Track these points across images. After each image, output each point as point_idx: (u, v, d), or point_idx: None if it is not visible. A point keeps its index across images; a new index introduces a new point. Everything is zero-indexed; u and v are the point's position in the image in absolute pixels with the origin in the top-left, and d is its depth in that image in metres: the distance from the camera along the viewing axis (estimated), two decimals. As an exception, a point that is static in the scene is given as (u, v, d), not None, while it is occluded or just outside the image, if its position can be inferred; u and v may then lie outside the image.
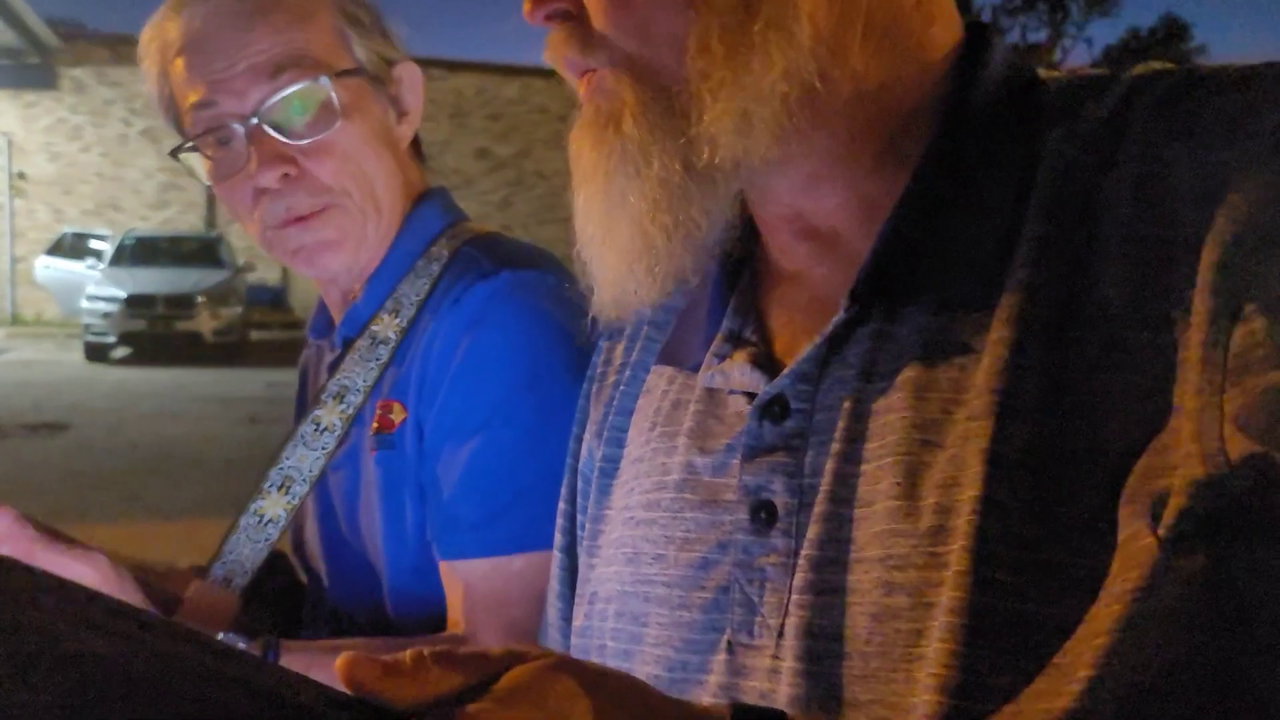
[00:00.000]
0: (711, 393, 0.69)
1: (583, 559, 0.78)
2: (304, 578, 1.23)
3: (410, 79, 1.10)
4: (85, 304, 13.46)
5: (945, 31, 0.65)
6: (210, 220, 19.31)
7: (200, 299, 13.57)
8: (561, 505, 0.85)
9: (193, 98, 1.01)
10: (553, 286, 1.03)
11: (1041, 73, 0.64)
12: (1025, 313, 0.54)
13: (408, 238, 1.10)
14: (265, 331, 16.47)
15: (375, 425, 1.05)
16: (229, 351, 13.61)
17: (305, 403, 1.25)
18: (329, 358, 1.16)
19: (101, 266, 14.68)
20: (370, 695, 0.41)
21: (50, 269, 16.24)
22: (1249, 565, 0.46)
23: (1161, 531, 0.46)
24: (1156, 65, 0.60)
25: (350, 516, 1.10)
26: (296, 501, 1.06)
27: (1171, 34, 48.37)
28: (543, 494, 0.93)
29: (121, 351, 13.61)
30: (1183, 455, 0.47)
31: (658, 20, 0.60)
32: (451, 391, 1.00)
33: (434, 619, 1.03)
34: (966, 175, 0.60)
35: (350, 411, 1.06)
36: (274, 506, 1.06)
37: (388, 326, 1.07)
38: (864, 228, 0.63)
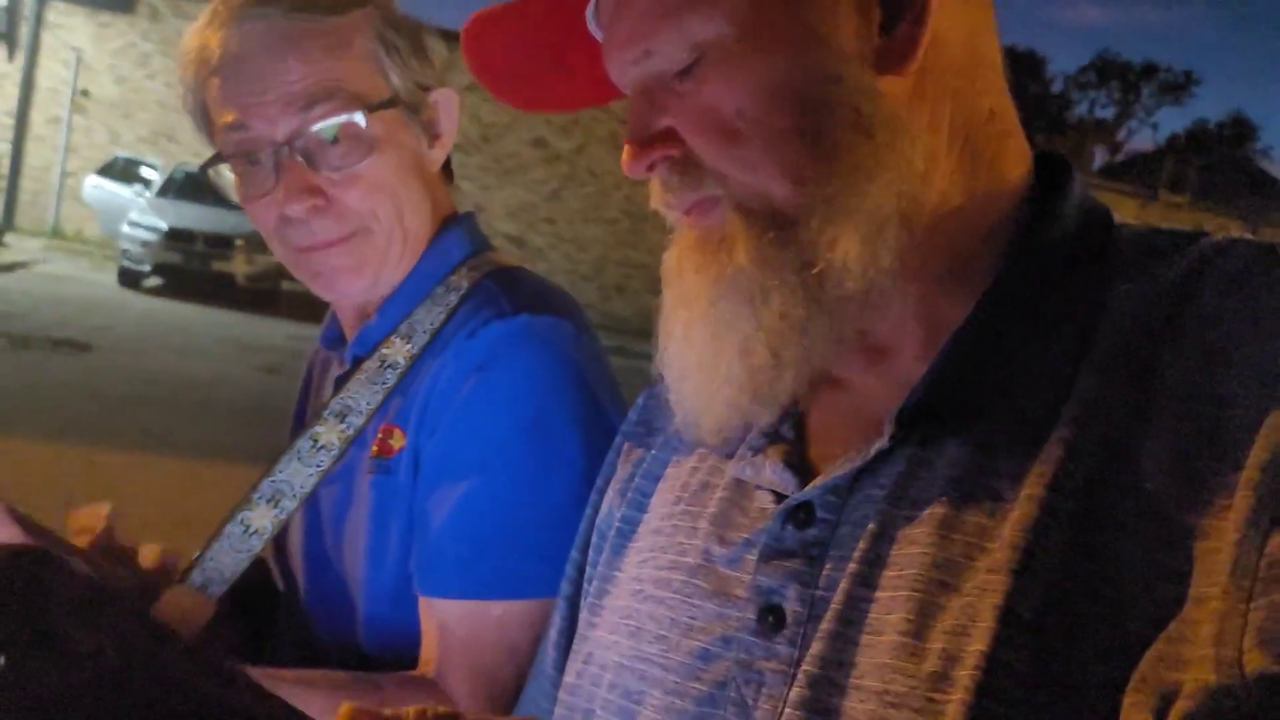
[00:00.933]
0: (740, 483, 0.69)
1: (584, 615, 0.78)
2: (280, 584, 1.22)
3: (445, 104, 1.09)
4: (126, 229, 13.58)
5: (1017, 157, 0.65)
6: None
7: (239, 242, 13.64)
8: (574, 555, 0.84)
9: (226, 118, 1.01)
10: (569, 334, 1.03)
11: (1116, 218, 0.64)
12: (1063, 472, 0.53)
13: (429, 263, 1.09)
14: (297, 284, 16.55)
15: (375, 449, 1.04)
16: (259, 298, 13.69)
17: (305, 408, 1.27)
18: (335, 371, 1.16)
19: (148, 195, 14.78)
20: None
21: (98, 189, 16.37)
22: None
23: None
24: (1234, 235, 0.60)
25: (336, 534, 1.09)
26: (284, 516, 1.05)
27: (1239, 132, 48.01)
28: (530, 542, 0.95)
29: (154, 281, 13.73)
30: (1198, 655, 0.47)
31: (772, 152, 0.60)
32: (453, 428, 0.99)
33: (406, 649, 1.02)
34: (1030, 314, 0.60)
35: (350, 433, 1.05)
36: (261, 518, 1.05)
37: (398, 351, 1.06)
38: (919, 348, 0.63)
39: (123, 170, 16.67)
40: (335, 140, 1.00)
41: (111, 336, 9.68)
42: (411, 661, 1.01)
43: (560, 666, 0.81)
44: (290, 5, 1.00)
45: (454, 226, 1.12)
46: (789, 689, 0.59)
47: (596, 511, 0.84)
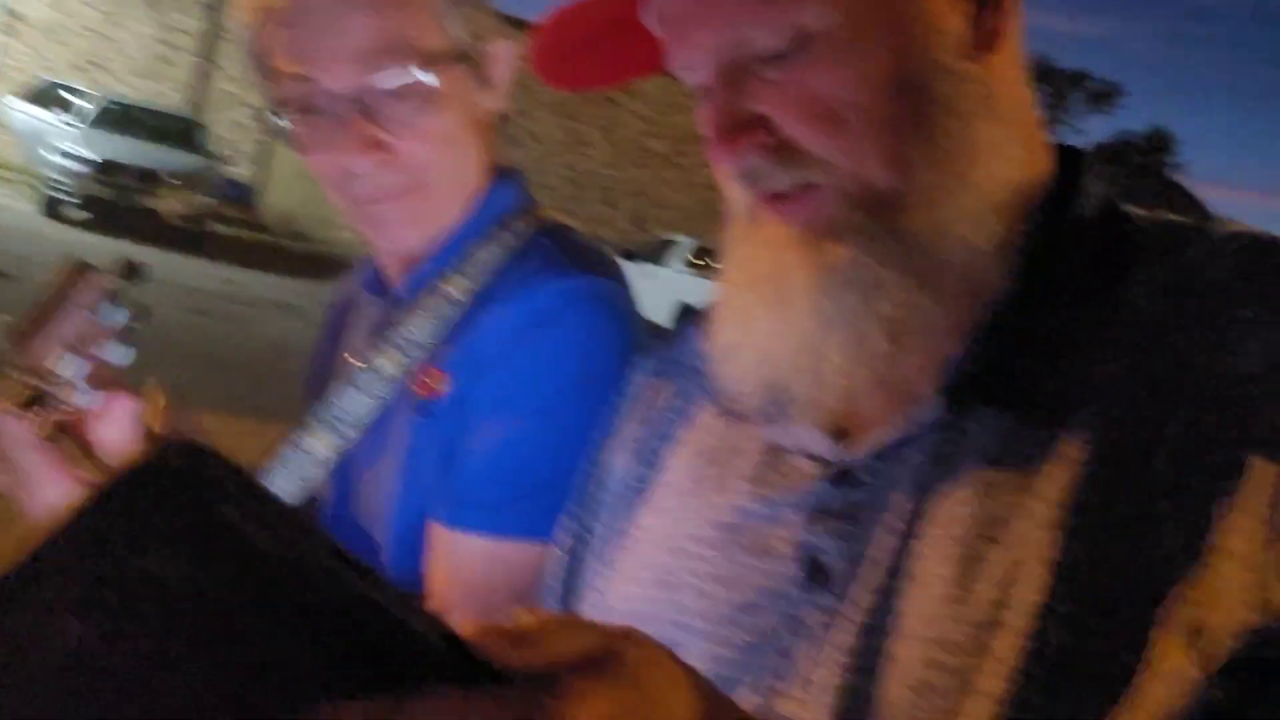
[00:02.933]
0: (775, 447, 0.71)
1: (595, 568, 0.80)
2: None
3: (505, 54, 1.08)
4: (54, 159, 13.15)
5: (1045, 144, 0.69)
6: (195, 103, 18.96)
7: (170, 180, 13.35)
8: (575, 509, 0.87)
9: (290, 68, 1.00)
10: (622, 301, 1.05)
11: (1128, 209, 0.68)
12: (1098, 437, 0.58)
13: (483, 211, 1.10)
14: (228, 227, 16.20)
15: (419, 391, 1.05)
16: (188, 239, 13.28)
17: (333, 350, 1.26)
18: (374, 316, 1.16)
19: (80, 125, 14.31)
20: (497, 661, 0.41)
21: (21, 114, 15.82)
22: (1270, 710, 0.51)
23: (1209, 666, 0.51)
24: (1243, 226, 0.64)
25: (368, 471, 1.09)
26: (343, 443, 1.06)
27: (1159, 146, 49.41)
28: (560, 494, 0.95)
29: (80, 215, 13.35)
30: (1229, 598, 0.51)
31: (879, 139, 0.61)
32: (505, 374, 1.00)
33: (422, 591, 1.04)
34: (1061, 292, 0.63)
35: (410, 365, 1.06)
36: (319, 444, 1.06)
37: (457, 288, 1.06)
38: (954, 321, 0.64)
39: (49, 95, 16.09)
40: (400, 96, 1.00)
41: (32, 266, 9.42)
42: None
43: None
44: None
45: (507, 180, 1.13)
46: (834, 635, 0.62)
47: (599, 469, 0.86)
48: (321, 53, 0.98)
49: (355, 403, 1.07)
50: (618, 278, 1.07)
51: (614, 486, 0.83)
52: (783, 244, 0.65)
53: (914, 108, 0.62)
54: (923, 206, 0.62)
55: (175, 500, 0.37)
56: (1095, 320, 0.62)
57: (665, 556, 0.73)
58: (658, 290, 15.08)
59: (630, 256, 16.68)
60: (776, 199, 0.65)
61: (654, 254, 16.12)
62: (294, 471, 1.07)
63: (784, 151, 0.63)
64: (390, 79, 0.98)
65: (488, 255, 1.07)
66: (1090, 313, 0.62)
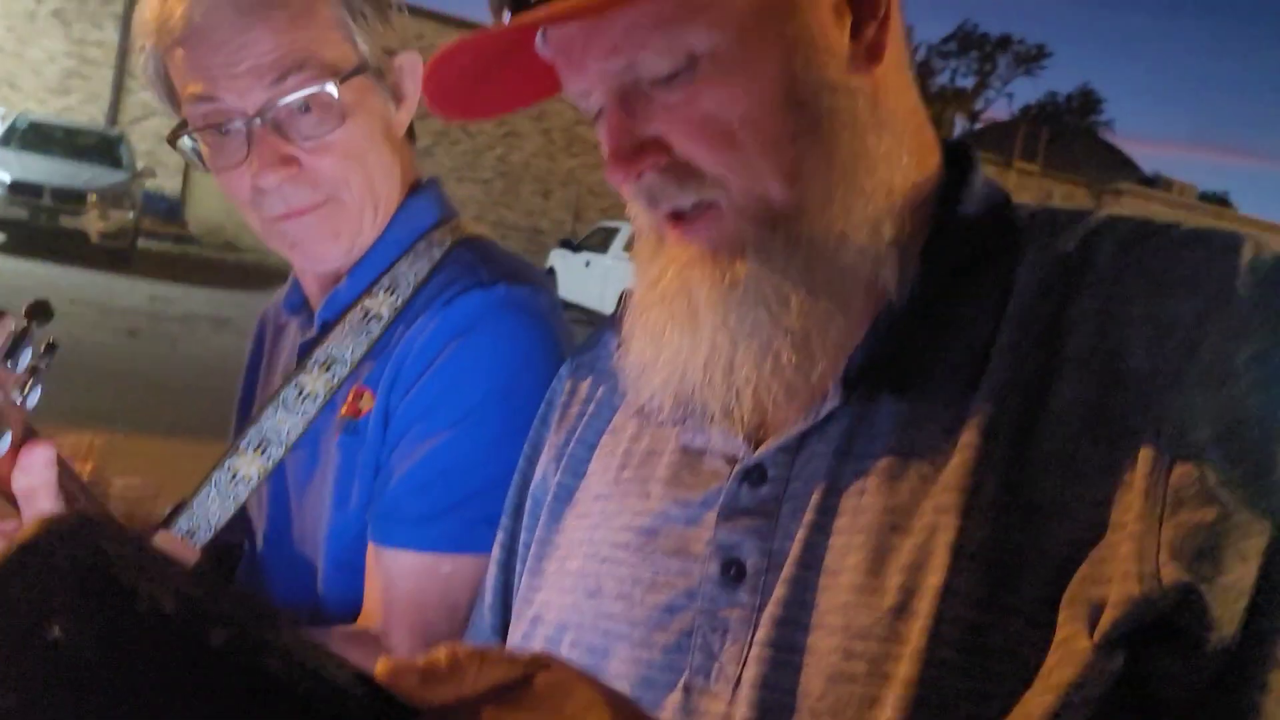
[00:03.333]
0: (688, 449, 0.73)
1: (525, 579, 0.81)
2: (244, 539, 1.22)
3: (410, 67, 1.09)
4: (-35, 181, 12.70)
5: (933, 145, 0.72)
6: (113, 117, 18.43)
7: (91, 197, 12.93)
8: (505, 521, 0.87)
9: (193, 89, 1.00)
10: (545, 305, 1.06)
11: (1015, 202, 0.71)
12: (993, 419, 0.60)
13: (401, 226, 1.09)
14: (156, 241, 15.82)
15: (344, 410, 1.05)
16: (115, 257, 12.97)
17: (257, 373, 1.27)
18: (298, 336, 1.16)
19: (-11, 145, 13.82)
20: (409, 699, 0.41)
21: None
22: (1163, 672, 0.53)
23: (1096, 637, 0.52)
24: (1119, 211, 0.68)
25: (300, 495, 1.10)
26: (270, 464, 1.06)
27: (1086, 104, 50.48)
28: (488, 503, 0.95)
29: (-3, 238, 12.91)
30: (1121, 572, 0.53)
31: (772, 154, 0.63)
32: (426, 386, 1.00)
33: (360, 612, 1.04)
34: (952, 283, 0.66)
35: (335, 382, 1.05)
36: (248, 465, 1.05)
37: (381, 303, 1.06)
38: (855, 316, 0.67)
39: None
40: (307, 109, 0.99)
41: (-47, 297, 9.09)
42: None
43: (497, 629, 0.85)
44: None
45: (425, 191, 1.14)
46: (754, 631, 0.63)
47: (526, 479, 0.87)
48: (225, 71, 0.98)
49: (282, 423, 1.06)
50: (538, 285, 1.07)
51: (540, 495, 0.83)
52: (687, 262, 0.66)
53: (805, 123, 0.63)
54: (820, 218, 0.64)
55: (76, 570, 0.38)
56: (984, 306, 0.64)
57: (589, 564, 0.74)
58: (600, 278, 15.02)
59: (570, 246, 16.61)
60: (677, 217, 0.67)
61: (594, 242, 16.02)
62: (223, 494, 1.06)
63: (681, 171, 0.65)
64: (296, 93, 0.98)
65: (409, 270, 1.08)
66: (980, 299, 0.65)
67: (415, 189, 1.13)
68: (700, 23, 0.62)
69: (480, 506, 0.96)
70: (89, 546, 0.38)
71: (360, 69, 1.03)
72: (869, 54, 0.66)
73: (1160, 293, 0.60)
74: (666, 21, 0.62)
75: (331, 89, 0.99)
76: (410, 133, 1.15)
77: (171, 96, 1.05)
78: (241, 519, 1.17)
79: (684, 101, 0.63)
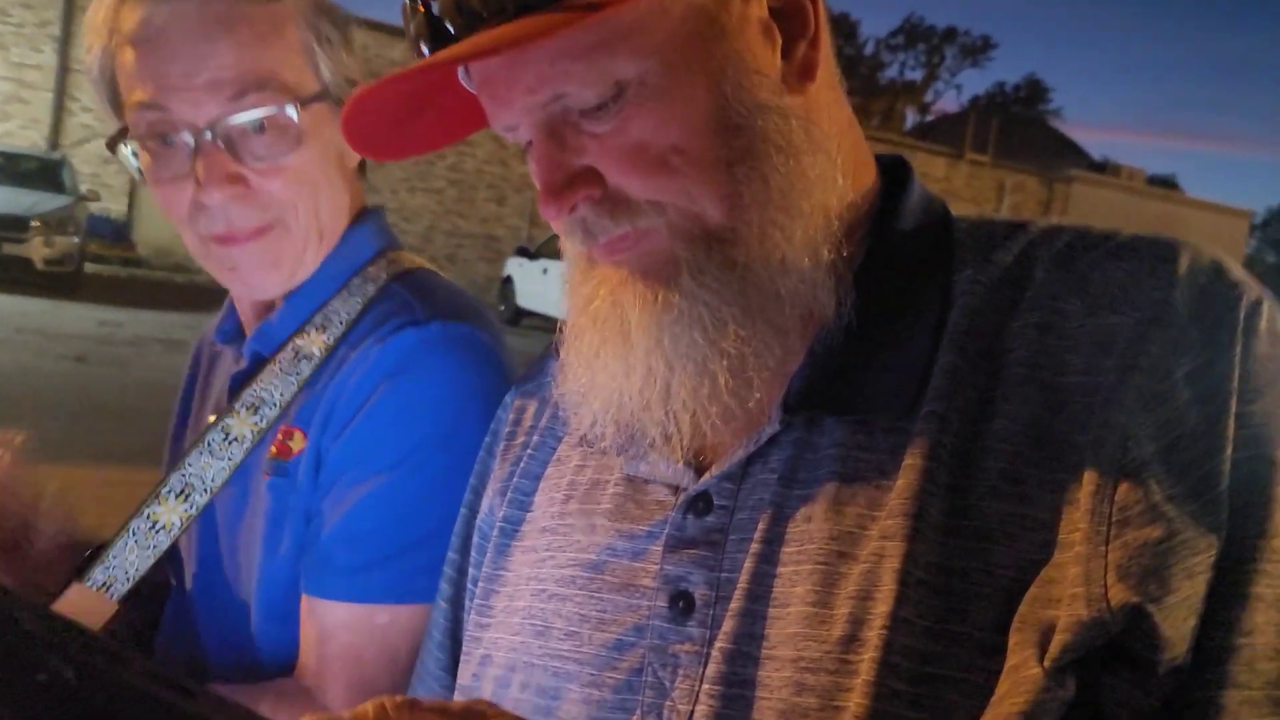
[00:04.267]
0: (633, 479, 0.72)
1: (471, 617, 0.79)
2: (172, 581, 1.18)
3: None
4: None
5: (868, 160, 0.71)
6: (54, 140, 18.11)
7: (34, 223, 12.69)
8: (452, 556, 0.85)
9: (140, 95, 0.96)
10: (482, 343, 1.01)
11: (954, 214, 0.71)
12: (936, 441, 0.59)
13: (339, 259, 1.06)
14: (103, 266, 15.57)
15: (274, 450, 1.01)
16: (61, 283, 12.75)
17: (190, 403, 1.22)
18: (230, 366, 1.12)
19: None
20: None
21: None
22: (1113, 695, 0.53)
23: (1046, 663, 0.52)
24: (1054, 222, 0.67)
25: (231, 536, 1.06)
26: (194, 511, 1.01)
27: (1034, 94, 51.11)
28: (424, 550, 0.92)
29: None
30: (1069, 594, 0.53)
31: (707, 179, 0.62)
32: (359, 430, 0.96)
33: (296, 657, 1.00)
34: (890, 303, 0.65)
35: (263, 425, 1.01)
36: (170, 514, 1.01)
37: (313, 342, 1.03)
38: (793, 340, 0.66)
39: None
40: (261, 129, 0.96)
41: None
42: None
43: (447, 668, 0.82)
44: None
45: (365, 222, 1.10)
46: (704, 667, 0.62)
47: (473, 512, 0.84)
48: (181, 80, 0.94)
49: (206, 468, 1.02)
50: (477, 321, 1.03)
51: (486, 529, 0.81)
52: (619, 283, 0.65)
53: (739, 146, 0.62)
54: (757, 242, 0.62)
55: None
56: (923, 324, 0.63)
57: (536, 601, 0.72)
58: (558, 285, 14.88)
59: (527, 253, 16.55)
60: (614, 247, 0.65)
61: (551, 249, 15.96)
62: (142, 544, 1.00)
63: (614, 202, 0.63)
64: (254, 110, 0.95)
65: (341, 307, 1.04)
66: (918, 317, 0.64)
67: (357, 219, 1.10)
68: (625, 51, 0.61)
69: (418, 556, 0.93)
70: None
71: (321, 96, 1.00)
72: (800, 73, 0.65)
73: (1098, 307, 0.59)
74: (591, 51, 0.60)
75: (291, 111, 0.97)
76: (362, 166, 1.12)
77: (115, 100, 1.01)
78: (170, 556, 1.12)
79: (614, 131, 0.62)
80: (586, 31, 0.60)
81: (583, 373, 0.68)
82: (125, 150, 1.01)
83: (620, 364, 0.65)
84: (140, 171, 1.01)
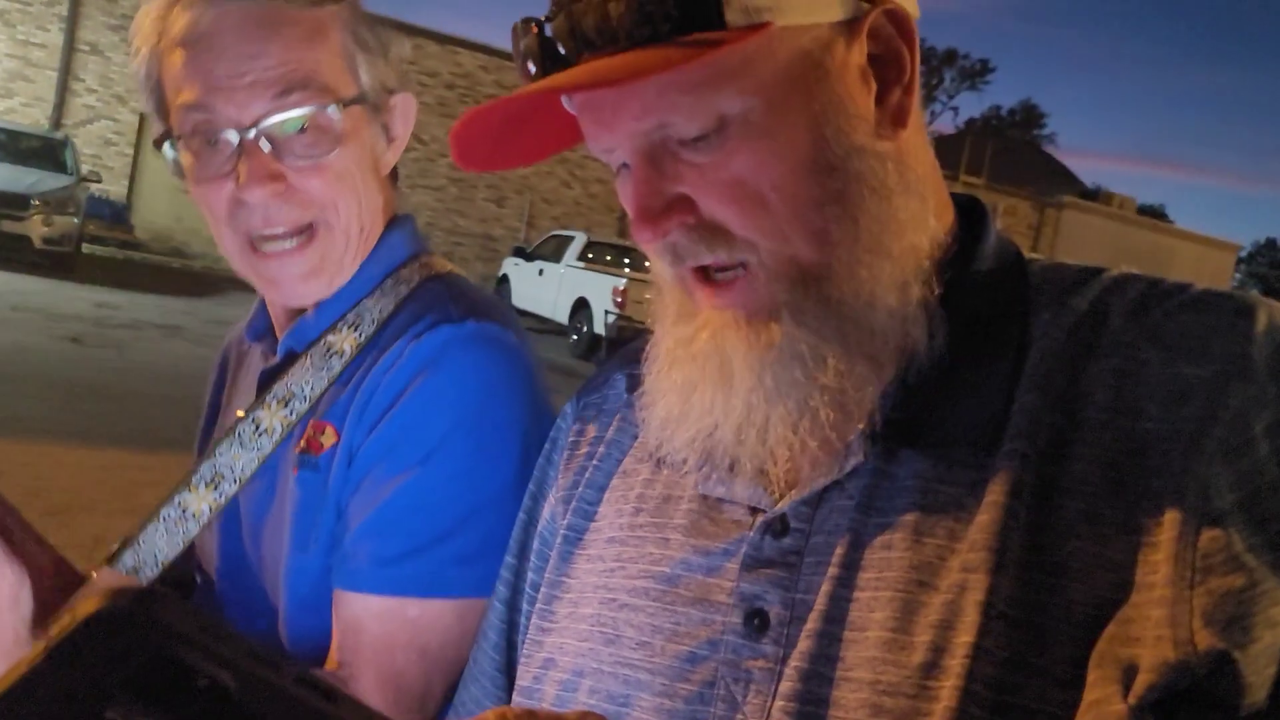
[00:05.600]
0: (707, 497, 0.73)
1: (534, 620, 0.80)
2: (197, 575, 1.20)
3: (404, 107, 1.09)
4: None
5: (947, 202, 0.73)
6: (57, 120, 18.11)
7: (35, 202, 12.70)
8: (510, 560, 0.86)
9: (187, 96, 0.99)
10: (513, 342, 1.04)
11: (1026, 255, 0.73)
12: (1017, 478, 0.60)
13: (374, 262, 1.09)
14: (101, 247, 15.56)
15: (302, 444, 1.03)
16: (59, 263, 12.74)
17: (220, 397, 1.24)
18: (261, 363, 1.14)
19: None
20: None
21: None
22: None
23: (1131, 700, 0.53)
24: (1127, 270, 0.69)
25: (256, 529, 1.07)
26: (223, 500, 1.03)
27: (1028, 119, 51.40)
28: (455, 544, 0.94)
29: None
30: (1154, 635, 0.54)
31: (803, 219, 0.64)
32: (392, 423, 0.98)
33: (325, 648, 1.01)
34: (970, 342, 0.67)
35: (293, 419, 1.03)
36: (199, 501, 1.03)
37: (345, 339, 1.05)
38: (875, 374, 0.68)
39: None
40: (302, 130, 0.99)
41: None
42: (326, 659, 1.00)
43: (502, 668, 0.84)
44: None
45: (399, 227, 1.12)
46: (777, 684, 0.63)
47: (532, 519, 0.86)
48: (227, 81, 0.97)
49: (236, 459, 1.04)
50: (504, 321, 1.05)
51: (549, 536, 0.83)
52: (722, 325, 0.67)
53: (835, 187, 0.64)
54: (849, 280, 0.64)
55: (133, 648, 0.38)
56: (1002, 365, 0.65)
57: (606, 610, 0.74)
58: (553, 286, 15.05)
59: (524, 254, 16.62)
60: (702, 272, 0.67)
61: (548, 250, 16.07)
62: (172, 531, 1.03)
63: (708, 231, 0.65)
64: (297, 110, 0.98)
65: (374, 306, 1.06)
66: (997, 358, 0.66)
67: (391, 224, 1.13)
68: (732, 88, 0.62)
69: (447, 548, 0.95)
70: (151, 624, 0.38)
71: (360, 99, 1.03)
72: (894, 119, 0.67)
73: (1175, 357, 0.61)
74: (699, 86, 0.62)
75: (333, 112, 1.00)
76: (394, 174, 1.14)
77: (160, 103, 1.04)
78: (190, 550, 1.13)
79: (714, 164, 0.64)
80: (698, 67, 0.61)
81: (675, 402, 0.69)
82: (168, 151, 1.04)
83: (721, 399, 0.66)
84: (182, 173, 1.04)
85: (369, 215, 1.07)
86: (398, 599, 0.95)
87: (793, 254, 0.64)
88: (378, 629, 0.95)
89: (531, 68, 0.67)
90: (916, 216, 0.66)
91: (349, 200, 1.04)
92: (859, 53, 0.66)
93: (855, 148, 0.64)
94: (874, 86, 0.67)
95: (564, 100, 0.70)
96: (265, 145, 0.98)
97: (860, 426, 0.66)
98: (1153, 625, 0.54)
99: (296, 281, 1.05)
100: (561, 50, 0.65)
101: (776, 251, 0.64)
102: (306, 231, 1.03)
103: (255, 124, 0.98)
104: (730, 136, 0.63)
